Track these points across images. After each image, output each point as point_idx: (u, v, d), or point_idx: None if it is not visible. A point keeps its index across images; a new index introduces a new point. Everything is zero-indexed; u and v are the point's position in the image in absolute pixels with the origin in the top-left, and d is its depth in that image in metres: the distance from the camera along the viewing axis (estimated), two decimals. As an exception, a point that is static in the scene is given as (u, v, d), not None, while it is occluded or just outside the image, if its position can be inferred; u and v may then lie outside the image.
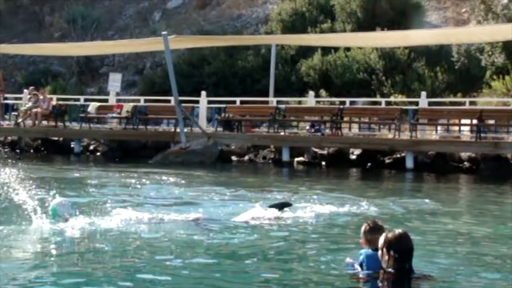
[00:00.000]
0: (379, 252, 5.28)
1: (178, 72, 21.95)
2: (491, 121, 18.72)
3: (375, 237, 5.50)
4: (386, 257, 5.20)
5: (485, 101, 20.39)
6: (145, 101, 23.48)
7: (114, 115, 22.26)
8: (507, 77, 20.61)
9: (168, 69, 19.96)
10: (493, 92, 21.04)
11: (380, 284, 5.25)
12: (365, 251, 5.54)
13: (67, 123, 23.19)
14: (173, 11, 32.54)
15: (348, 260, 5.81)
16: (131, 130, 21.58)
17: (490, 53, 22.11)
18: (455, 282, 5.68)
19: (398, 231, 5.37)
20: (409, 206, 10.89)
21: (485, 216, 10.13)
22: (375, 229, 5.63)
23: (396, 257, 5.16)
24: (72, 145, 22.26)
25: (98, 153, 22.19)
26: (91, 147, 22.66)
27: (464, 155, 18.26)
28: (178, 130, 19.82)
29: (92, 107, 22.65)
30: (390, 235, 5.30)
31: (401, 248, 5.22)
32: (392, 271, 5.17)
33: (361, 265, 5.50)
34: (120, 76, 25.45)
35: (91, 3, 33.84)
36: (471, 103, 20.10)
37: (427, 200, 11.86)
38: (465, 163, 18.13)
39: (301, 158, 19.40)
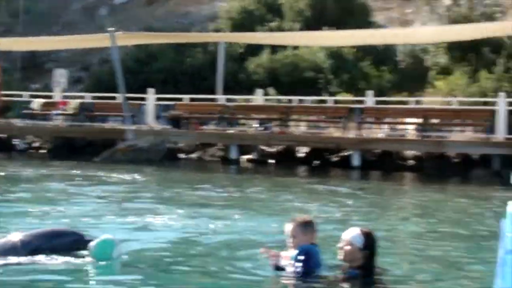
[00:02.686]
0: (351, 248, 5.28)
1: (125, 69, 21.66)
2: (435, 120, 19.06)
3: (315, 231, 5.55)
4: (361, 255, 5.25)
5: (430, 100, 20.74)
6: (92, 98, 23.11)
7: (59, 112, 21.91)
8: (450, 77, 21.02)
9: (115, 66, 19.69)
10: (436, 91, 21.43)
11: (346, 280, 5.26)
12: (312, 247, 5.44)
13: (11, 120, 22.67)
14: (120, 7, 32.16)
15: (265, 250, 5.63)
16: (77, 127, 21.23)
17: (434, 53, 22.53)
18: (402, 276, 5.73)
19: (367, 229, 5.45)
20: (354, 204, 10.97)
21: (428, 214, 10.27)
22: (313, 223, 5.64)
23: (369, 255, 5.28)
24: (15, 142, 21.77)
25: (43, 151, 21.75)
26: (36, 144, 22.20)
27: (409, 153, 18.54)
28: (125, 127, 19.57)
29: (37, 103, 22.21)
30: (367, 233, 5.34)
31: (375, 245, 5.35)
32: (366, 267, 5.27)
33: (304, 262, 5.31)
34: (65, 73, 25.03)
35: (36, -2, 33.14)
36: (416, 102, 20.42)
37: (371, 198, 12.00)
38: (410, 161, 18.40)
39: (249, 156, 19.39)
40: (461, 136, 18.65)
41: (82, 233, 6.11)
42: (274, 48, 24.42)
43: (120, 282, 5.34)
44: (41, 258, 5.68)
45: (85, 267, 5.68)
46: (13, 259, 5.61)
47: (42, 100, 22.46)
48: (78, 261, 5.75)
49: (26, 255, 5.66)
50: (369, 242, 5.30)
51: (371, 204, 11.10)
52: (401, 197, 12.95)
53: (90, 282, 5.45)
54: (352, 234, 5.33)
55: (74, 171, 14.92)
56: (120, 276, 5.57)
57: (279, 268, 5.47)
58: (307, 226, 5.47)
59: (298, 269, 5.31)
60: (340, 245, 5.37)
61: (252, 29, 24.77)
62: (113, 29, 20.31)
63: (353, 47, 23.24)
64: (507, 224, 3.63)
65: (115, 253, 5.75)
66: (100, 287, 5.37)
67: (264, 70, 24.21)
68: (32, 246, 5.74)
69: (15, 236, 5.94)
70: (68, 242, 5.90)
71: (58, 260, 5.71)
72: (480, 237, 7.96)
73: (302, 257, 5.31)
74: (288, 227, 5.49)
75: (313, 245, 5.44)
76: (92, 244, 5.72)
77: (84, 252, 5.81)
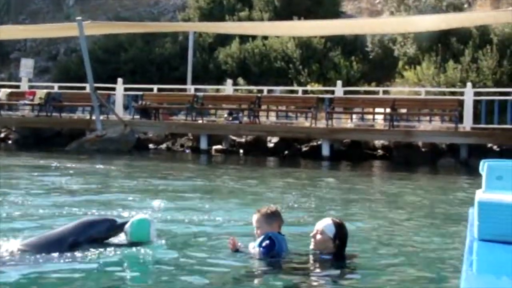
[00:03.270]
0: (322, 237, 5.38)
1: (93, 59, 21.45)
2: (403, 110, 19.22)
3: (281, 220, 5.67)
4: (332, 244, 5.38)
5: (398, 90, 20.90)
6: (60, 88, 22.87)
7: (26, 102, 21.65)
8: (418, 67, 21.17)
9: (83, 56, 19.49)
10: (405, 81, 21.59)
11: (318, 264, 5.37)
12: (277, 234, 5.54)
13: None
14: (88, -4, 31.73)
15: (233, 241, 5.69)
16: (45, 118, 21.02)
17: (402, 43, 22.66)
18: (372, 261, 5.78)
19: (339, 220, 5.58)
20: (324, 193, 11.04)
21: (397, 201, 10.38)
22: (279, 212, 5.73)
23: (340, 244, 5.42)
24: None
25: (10, 141, 21.50)
26: (2, 135, 21.95)
27: (378, 143, 18.69)
28: (94, 117, 19.41)
29: (3, 93, 21.93)
30: (338, 223, 5.48)
31: (346, 235, 5.49)
32: (335, 255, 5.41)
33: (269, 247, 5.44)
34: (32, 62, 24.69)
35: (1, -14, 32.58)
36: (385, 92, 20.56)
37: (341, 187, 12.08)
38: (379, 150, 18.56)
39: (219, 146, 19.37)
40: (429, 125, 18.86)
41: (113, 218, 6.04)
42: (244, 38, 24.36)
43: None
44: (82, 250, 5.58)
45: (125, 252, 5.65)
46: (53, 256, 5.47)
47: (8, 90, 22.16)
48: (117, 247, 5.70)
49: (66, 250, 5.54)
50: (340, 232, 5.43)
51: (341, 193, 11.18)
52: (370, 186, 13.05)
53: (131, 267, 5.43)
54: (324, 224, 5.43)
55: (41, 162, 14.76)
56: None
57: (238, 251, 5.64)
58: (271, 216, 5.60)
59: (263, 252, 5.42)
60: (312, 234, 5.46)
61: (221, 19, 24.66)
62: (81, 18, 20.08)
63: (323, 37, 23.28)
64: (474, 213, 3.69)
65: (151, 233, 5.74)
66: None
67: (234, 60, 24.16)
68: (70, 241, 5.63)
69: (52, 233, 5.84)
70: (104, 230, 5.80)
71: (97, 249, 5.63)
72: (448, 225, 8.07)
73: (266, 242, 5.45)
74: (254, 218, 5.61)
75: (278, 233, 5.55)
76: (128, 226, 5.69)
77: (121, 236, 5.78)
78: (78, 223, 5.91)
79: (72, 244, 5.60)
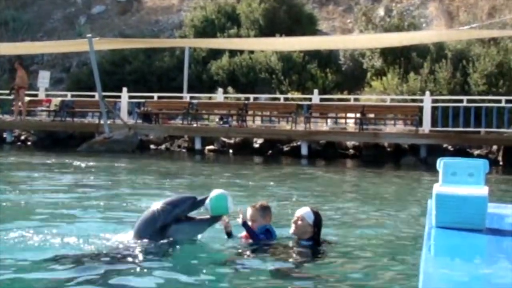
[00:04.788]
0: (302, 223, 5.39)
1: (101, 70, 21.31)
2: (371, 115, 19.27)
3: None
4: (310, 229, 5.38)
5: (367, 98, 20.95)
6: (72, 96, 22.74)
7: (43, 108, 21.60)
8: (384, 78, 21.24)
9: (93, 68, 19.38)
10: (373, 90, 21.64)
11: (300, 249, 5.37)
12: (270, 226, 5.57)
13: (0, 115, 22.22)
14: (97, 16, 31.59)
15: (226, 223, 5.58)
16: (59, 122, 20.93)
17: (370, 57, 22.72)
18: (346, 247, 5.78)
19: (316, 209, 5.61)
20: (303, 187, 11.03)
21: (366, 194, 10.39)
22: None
23: (317, 230, 5.44)
24: (4, 135, 21.38)
25: (29, 143, 21.36)
26: (23, 137, 21.79)
27: (349, 143, 18.71)
28: (102, 122, 19.30)
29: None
30: (316, 212, 5.50)
31: (321, 222, 5.51)
32: (314, 241, 5.43)
33: (267, 238, 5.49)
34: (48, 74, 24.54)
35: (22, 7, 32.35)
36: (355, 99, 20.60)
37: (318, 182, 12.07)
38: (350, 150, 18.58)
39: (211, 147, 19.33)
40: (394, 128, 18.92)
41: (193, 195, 5.68)
42: (233, 53, 24.33)
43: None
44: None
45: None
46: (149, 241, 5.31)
47: (28, 98, 22.02)
48: None
49: (157, 232, 5.35)
50: (318, 219, 5.45)
51: (317, 186, 11.18)
52: (343, 180, 13.07)
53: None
54: (304, 211, 5.46)
55: (57, 160, 14.66)
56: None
57: (229, 235, 5.57)
58: (264, 210, 5.63)
59: (261, 240, 5.44)
60: (293, 220, 5.47)
61: (213, 36, 24.63)
62: (91, 35, 19.99)
63: (301, 51, 23.30)
64: (432, 204, 3.69)
65: (229, 206, 5.44)
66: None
67: (224, 72, 24.11)
68: (160, 224, 5.38)
69: (142, 219, 5.51)
70: (187, 207, 5.50)
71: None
72: (409, 214, 8.09)
73: (263, 235, 5.50)
74: (249, 211, 5.58)
75: (270, 225, 5.57)
76: (208, 202, 5.44)
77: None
78: (163, 205, 5.49)
79: (162, 226, 5.38)
